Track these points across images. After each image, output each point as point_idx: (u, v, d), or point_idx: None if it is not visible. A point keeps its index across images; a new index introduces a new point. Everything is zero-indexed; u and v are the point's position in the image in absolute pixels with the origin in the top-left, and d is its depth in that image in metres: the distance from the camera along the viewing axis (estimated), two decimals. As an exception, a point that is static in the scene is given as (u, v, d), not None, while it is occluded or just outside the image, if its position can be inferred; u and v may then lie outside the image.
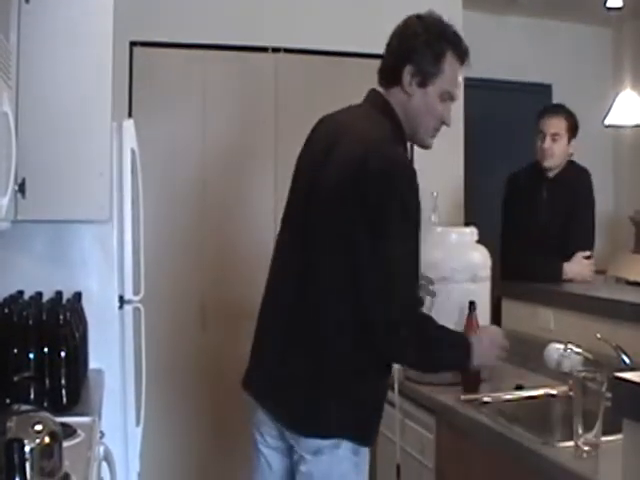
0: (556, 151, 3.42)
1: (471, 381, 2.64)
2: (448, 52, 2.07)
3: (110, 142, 2.59)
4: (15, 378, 2.18)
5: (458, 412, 2.45)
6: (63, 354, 2.33)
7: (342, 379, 1.96)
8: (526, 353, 2.95)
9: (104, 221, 2.66)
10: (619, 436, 1.62)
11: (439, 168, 4.25)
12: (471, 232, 2.90)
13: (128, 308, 2.87)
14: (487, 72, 5.03)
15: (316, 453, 1.95)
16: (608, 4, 4.59)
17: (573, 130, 3.43)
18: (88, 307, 2.69)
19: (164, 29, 3.85)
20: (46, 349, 2.31)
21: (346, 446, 1.96)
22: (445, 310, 2.51)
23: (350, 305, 1.93)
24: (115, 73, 2.54)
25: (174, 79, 3.89)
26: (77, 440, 1.95)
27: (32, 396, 2.23)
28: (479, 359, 2.06)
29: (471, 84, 4.46)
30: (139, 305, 2.90)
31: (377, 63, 2.15)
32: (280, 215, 2.20)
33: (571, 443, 1.95)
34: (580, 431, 1.91)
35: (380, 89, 2.13)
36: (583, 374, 1.98)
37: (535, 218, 3.46)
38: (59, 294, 2.57)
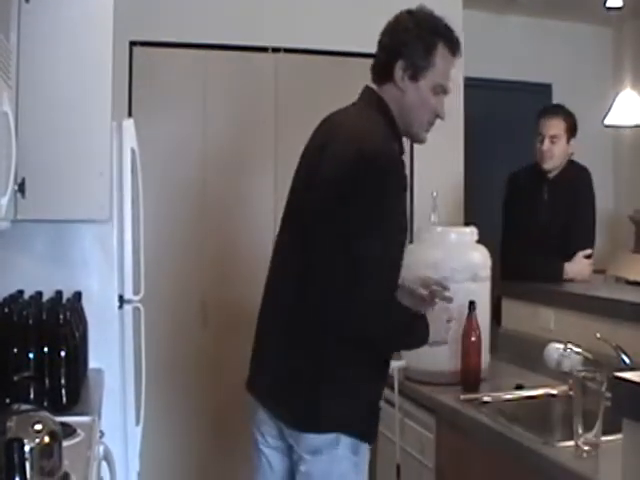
0: (555, 153, 3.41)
1: (471, 381, 2.64)
2: (439, 44, 2.07)
3: (110, 142, 2.59)
4: (15, 378, 2.18)
5: (458, 412, 2.45)
6: (63, 354, 2.33)
7: (342, 378, 1.97)
8: (526, 353, 2.95)
9: (104, 221, 2.66)
10: (619, 436, 1.62)
11: (439, 168, 4.26)
12: (471, 232, 2.90)
13: (128, 308, 2.87)
14: (487, 72, 5.04)
15: (315, 453, 1.96)
16: (608, 4, 4.59)
17: (572, 130, 3.43)
18: (88, 307, 2.69)
19: (164, 29, 3.85)
20: (46, 349, 2.31)
21: (345, 446, 1.96)
22: (445, 310, 2.51)
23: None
24: (115, 73, 2.54)
25: (174, 79, 3.89)
26: (77, 440, 1.95)
27: (32, 396, 2.23)
28: (433, 336, 2.07)
29: (471, 84, 4.48)
30: (139, 305, 2.90)
31: (377, 63, 2.15)
32: (280, 215, 2.20)
33: (571, 443, 1.95)
34: (580, 431, 1.92)
35: (373, 86, 2.13)
36: (583, 374, 1.98)
37: (536, 219, 3.46)
38: (59, 294, 2.57)
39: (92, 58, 2.48)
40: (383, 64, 2.10)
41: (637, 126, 5.12)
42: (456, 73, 4.37)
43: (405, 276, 2.20)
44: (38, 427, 1.54)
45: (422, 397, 2.68)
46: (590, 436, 1.91)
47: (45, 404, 2.22)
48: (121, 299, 2.86)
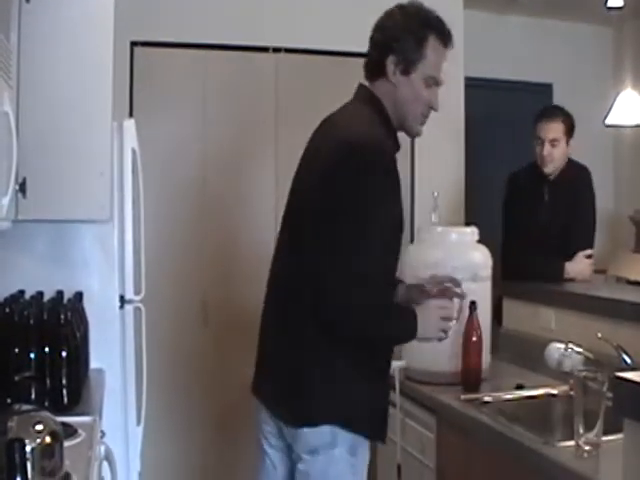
0: (556, 156, 3.39)
1: (472, 380, 2.64)
2: (430, 36, 2.07)
3: (111, 142, 2.59)
4: (16, 378, 2.18)
5: (459, 412, 2.45)
6: (64, 354, 2.33)
7: (335, 372, 1.97)
8: (527, 353, 2.95)
9: (105, 221, 2.66)
10: (620, 436, 1.62)
11: (440, 168, 4.27)
12: (472, 232, 2.90)
13: (129, 308, 2.87)
14: (487, 72, 5.04)
15: (312, 452, 1.96)
16: (609, 4, 4.58)
17: (571, 131, 3.41)
18: (89, 307, 2.69)
19: (165, 29, 3.85)
20: (47, 349, 2.31)
21: (342, 447, 1.96)
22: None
23: None
24: (116, 73, 2.54)
25: (175, 79, 3.89)
26: (78, 440, 1.95)
27: (33, 396, 2.23)
28: (423, 332, 2.03)
29: (471, 84, 4.48)
30: (140, 305, 2.90)
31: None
32: (280, 214, 2.20)
33: (572, 443, 1.95)
34: (581, 431, 1.91)
35: (366, 83, 2.14)
36: (584, 374, 1.98)
37: (536, 220, 3.45)
38: (60, 294, 2.57)
39: (93, 58, 2.48)
40: (375, 61, 2.11)
41: (637, 126, 5.12)
42: (456, 72, 4.39)
43: (415, 274, 2.20)
44: (39, 427, 1.54)
45: (423, 397, 2.68)
46: (591, 436, 1.90)
47: (46, 404, 2.21)
48: (122, 299, 2.86)
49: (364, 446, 2.04)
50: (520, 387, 2.64)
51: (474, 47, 4.47)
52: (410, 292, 2.23)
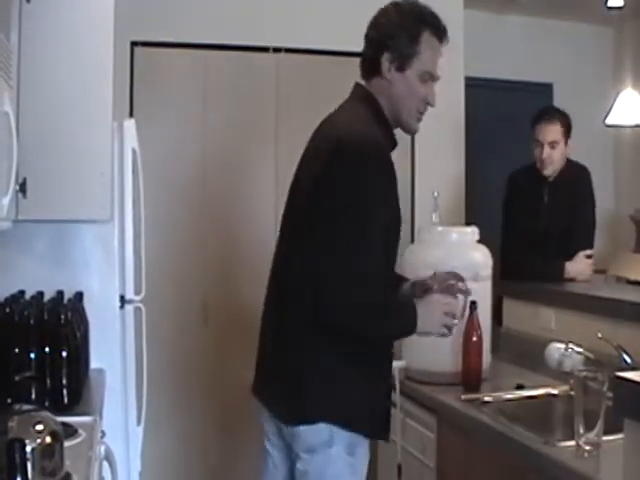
0: (555, 158, 3.38)
1: (472, 380, 2.64)
2: (425, 32, 2.07)
3: (111, 142, 2.59)
4: (16, 378, 2.18)
5: (459, 412, 2.45)
6: (64, 354, 2.33)
7: (343, 376, 1.98)
8: (527, 352, 2.95)
9: (105, 221, 2.66)
10: (620, 436, 1.62)
11: (440, 168, 4.27)
12: (472, 232, 2.90)
13: (129, 308, 2.87)
14: (487, 72, 5.04)
15: (310, 451, 1.97)
16: (609, 3, 4.58)
17: (569, 132, 3.40)
18: (89, 307, 2.69)
19: (165, 29, 3.85)
20: (47, 349, 2.31)
21: (339, 446, 1.96)
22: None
23: None
24: (116, 73, 2.54)
25: (175, 79, 3.89)
26: (78, 440, 1.95)
27: (33, 396, 2.23)
28: (423, 327, 2.02)
29: (471, 83, 4.48)
30: (140, 305, 2.90)
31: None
32: (281, 214, 2.20)
33: (572, 443, 1.96)
34: (581, 431, 1.92)
35: (362, 82, 2.14)
36: (584, 374, 1.98)
37: (536, 222, 3.44)
38: (60, 294, 2.57)
39: (93, 58, 2.48)
40: (370, 59, 2.11)
41: (638, 126, 5.12)
42: (456, 71, 4.39)
43: (415, 274, 2.20)
44: (39, 427, 1.54)
45: (423, 397, 2.68)
46: (591, 436, 1.90)
47: (46, 404, 2.21)
48: (122, 299, 2.86)
49: (363, 446, 2.04)
50: (520, 387, 2.64)
51: (474, 47, 4.47)
52: (414, 289, 2.23)
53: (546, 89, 5.42)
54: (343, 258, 1.88)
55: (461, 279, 2.21)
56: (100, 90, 2.49)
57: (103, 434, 2.21)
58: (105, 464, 2.22)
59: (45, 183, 2.40)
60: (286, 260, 2.10)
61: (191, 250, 3.90)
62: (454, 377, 2.68)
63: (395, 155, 2.08)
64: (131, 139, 2.87)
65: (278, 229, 2.20)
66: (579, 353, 2.51)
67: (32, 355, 2.28)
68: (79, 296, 2.67)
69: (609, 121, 5.06)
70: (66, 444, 1.65)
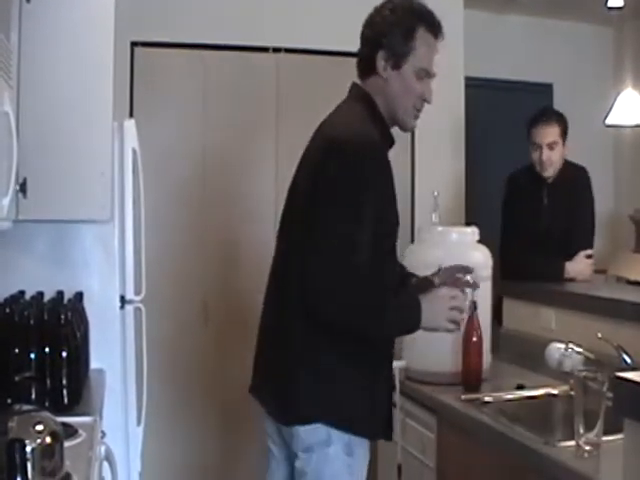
0: (554, 159, 3.38)
1: (472, 381, 2.64)
2: (420, 28, 2.07)
3: (111, 142, 2.59)
4: (16, 378, 2.18)
5: (459, 412, 2.45)
6: (64, 354, 2.33)
7: (342, 376, 1.98)
8: (527, 353, 2.95)
9: (105, 221, 2.66)
10: (620, 436, 1.62)
11: (440, 168, 4.27)
12: (472, 232, 2.91)
13: (129, 308, 2.87)
14: (487, 72, 5.03)
15: (307, 451, 1.97)
16: (609, 3, 4.58)
17: (566, 132, 3.40)
18: (89, 307, 2.69)
19: (165, 29, 3.85)
20: (47, 349, 2.31)
21: (337, 446, 1.96)
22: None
23: None
24: (116, 73, 2.54)
25: (175, 79, 3.89)
26: (78, 440, 1.95)
27: (33, 396, 2.23)
28: (428, 322, 2.00)
29: (471, 83, 4.48)
30: (140, 305, 2.90)
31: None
32: (280, 214, 2.21)
33: (572, 443, 1.95)
34: (581, 431, 1.91)
35: (359, 81, 2.14)
36: (584, 374, 1.98)
37: (536, 223, 3.44)
38: (60, 294, 2.57)
39: (93, 58, 2.48)
40: (366, 58, 2.11)
41: (638, 126, 5.11)
42: (456, 72, 4.38)
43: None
44: (39, 427, 1.54)
45: (423, 397, 2.68)
46: (591, 436, 1.90)
47: (46, 404, 2.22)
48: (122, 299, 2.86)
49: (362, 446, 2.04)
50: (520, 387, 2.64)
51: (474, 47, 4.47)
52: (420, 285, 2.23)
53: (546, 89, 5.42)
54: (336, 257, 1.87)
55: (469, 271, 2.20)
56: (100, 90, 2.49)
57: (103, 434, 2.21)
58: (105, 464, 2.22)
59: (45, 183, 2.40)
60: (285, 260, 2.10)
61: (191, 250, 3.90)
62: (454, 377, 2.68)
63: (395, 155, 2.08)
64: (131, 139, 2.87)
65: (277, 229, 2.20)
66: (579, 353, 2.51)
67: (32, 355, 2.28)
68: (79, 296, 2.67)
69: (609, 121, 5.05)
70: (66, 444, 1.65)
